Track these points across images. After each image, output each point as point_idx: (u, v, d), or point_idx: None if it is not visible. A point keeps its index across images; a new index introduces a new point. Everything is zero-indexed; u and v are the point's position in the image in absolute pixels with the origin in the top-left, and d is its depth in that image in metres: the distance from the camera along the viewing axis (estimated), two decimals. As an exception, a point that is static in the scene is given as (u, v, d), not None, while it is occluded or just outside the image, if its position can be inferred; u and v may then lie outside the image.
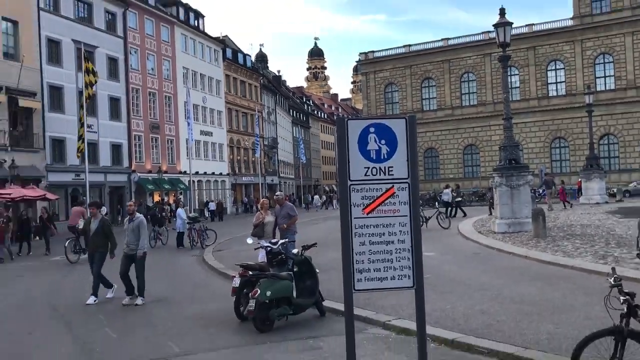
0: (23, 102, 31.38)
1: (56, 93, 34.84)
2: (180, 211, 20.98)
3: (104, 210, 37.03)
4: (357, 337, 6.99)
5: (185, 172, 47.39)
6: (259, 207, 12.59)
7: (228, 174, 57.80)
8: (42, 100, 33.28)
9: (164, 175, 43.89)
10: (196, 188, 49.25)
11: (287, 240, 9.48)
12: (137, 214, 10.31)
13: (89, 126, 32.83)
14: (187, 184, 47.43)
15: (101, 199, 37.95)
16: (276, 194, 12.43)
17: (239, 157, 61.90)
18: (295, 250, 8.36)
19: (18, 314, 9.23)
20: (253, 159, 63.92)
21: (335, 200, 62.82)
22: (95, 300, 9.77)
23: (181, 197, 43.94)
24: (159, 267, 15.23)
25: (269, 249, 8.99)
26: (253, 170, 63.76)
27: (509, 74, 19.09)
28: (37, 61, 33.03)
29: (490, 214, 24.90)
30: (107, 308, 9.41)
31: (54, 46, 34.95)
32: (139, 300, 9.69)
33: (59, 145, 34.72)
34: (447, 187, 30.03)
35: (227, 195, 55.90)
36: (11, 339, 7.54)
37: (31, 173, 31.15)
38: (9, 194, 23.24)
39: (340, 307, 8.22)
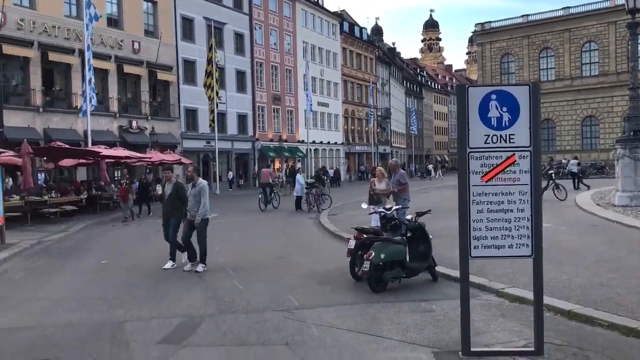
0: (161, 75, 34.22)
1: (189, 67, 37.46)
2: (299, 177, 21.97)
3: (230, 174, 39.87)
4: (471, 302, 7.16)
5: (303, 141, 49.10)
6: (374, 174, 12.93)
7: (342, 143, 58.83)
8: (177, 73, 36.00)
9: (284, 143, 45.74)
10: (312, 156, 50.75)
11: (400, 207, 9.70)
12: (200, 180, 9.57)
13: (218, 97, 35.08)
14: (304, 152, 49.13)
15: (228, 165, 40.65)
16: (390, 160, 12.66)
17: (353, 127, 62.56)
18: (408, 217, 8.59)
19: (158, 263, 10.43)
20: (366, 129, 64.37)
21: (439, 170, 62.04)
22: (173, 265, 9.61)
23: (299, 164, 45.50)
24: (278, 227, 16.28)
25: (382, 214, 9.28)
26: (366, 140, 64.29)
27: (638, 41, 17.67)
28: (173, 38, 35.73)
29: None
30: (235, 262, 10.29)
31: (187, 24, 37.52)
32: (199, 267, 9.36)
33: (192, 114, 37.50)
34: (575, 158, 29.89)
35: (341, 163, 56.94)
36: (150, 283, 8.61)
37: (168, 140, 34.08)
38: (150, 158, 25.73)
39: (453, 272, 8.40)
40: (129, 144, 30.10)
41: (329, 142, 55.86)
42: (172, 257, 9.75)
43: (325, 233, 14.69)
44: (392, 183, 12.21)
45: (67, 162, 22.52)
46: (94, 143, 23.99)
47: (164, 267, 9.59)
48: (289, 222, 17.70)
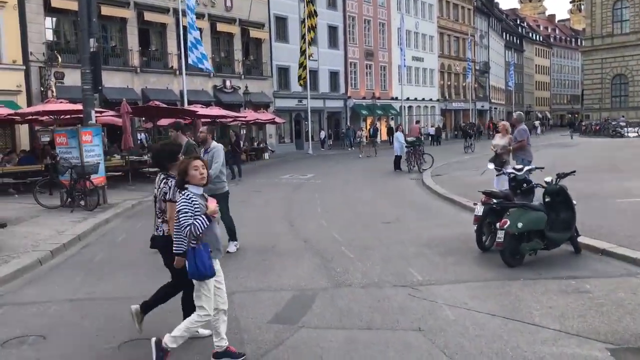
0: (253, 33, 33.78)
1: (281, 24, 36.73)
2: (399, 135, 20.75)
3: (322, 134, 39.20)
4: (631, 281, 5.89)
5: (396, 98, 47.38)
6: (498, 129, 11.56)
7: (438, 100, 56.27)
8: (269, 30, 35.41)
9: (376, 101, 44.24)
10: (406, 114, 48.89)
11: (533, 167, 8.35)
12: (214, 143, 7.60)
13: (310, 55, 34.26)
14: (398, 109, 47.43)
15: (320, 123, 40.02)
16: (514, 114, 11.18)
17: (449, 83, 59.60)
18: (548, 179, 7.28)
19: (259, 228, 9.86)
20: (464, 84, 61.21)
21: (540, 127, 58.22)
22: (236, 245, 7.89)
23: (400, 122, 44.08)
24: (378, 188, 15.32)
25: (512, 175, 8.05)
26: (463, 96, 61.15)
27: None
28: (265, -7, 35.03)
29: None
30: (340, 226, 9.50)
31: (278, -22, 36.61)
32: (232, 247, 7.73)
33: (284, 73, 36.97)
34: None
35: (437, 120, 54.50)
36: (252, 251, 8.00)
37: (261, 99, 33.88)
38: (245, 117, 25.52)
39: (600, 244, 7.17)
40: (223, 104, 30.15)
41: (423, 99, 53.58)
42: (233, 237, 7.90)
43: (432, 195, 13.55)
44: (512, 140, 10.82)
45: (164, 121, 22.74)
46: (189, 103, 24.09)
47: (227, 249, 7.65)
48: (390, 183, 16.68)
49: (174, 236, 4.12)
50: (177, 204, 4.00)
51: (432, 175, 17.41)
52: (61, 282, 6.66)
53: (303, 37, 33.15)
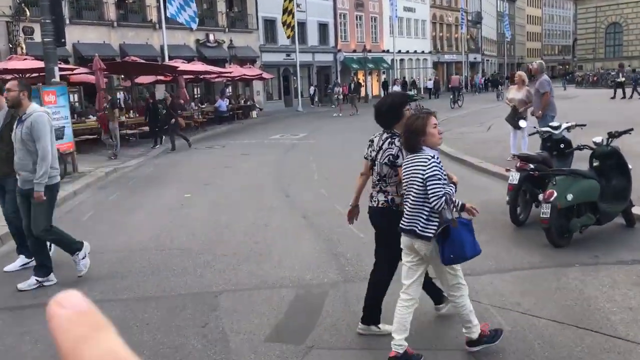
0: (236, -18, 31.60)
1: (266, -29, 34.46)
2: (396, 89, 19.28)
3: (312, 89, 37.50)
4: None
5: (388, 51, 45.52)
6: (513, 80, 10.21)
7: (430, 52, 54.29)
8: (254, -22, 33.21)
9: (367, 54, 42.34)
10: (398, 67, 47.07)
11: (573, 124, 7.08)
12: (33, 107, 4.76)
13: (297, 5, 32.21)
14: (390, 62, 45.66)
15: (309, 79, 38.25)
16: (532, 63, 9.81)
17: (441, 34, 57.44)
18: (597, 139, 6.02)
19: (246, 196, 8.61)
20: (456, 35, 59.16)
21: None
22: (24, 265, 5.45)
23: (384, 76, 42.44)
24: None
25: (547, 134, 6.82)
26: (455, 48, 59.18)
27: None
28: (247, -64, 32.59)
29: None
30: (345, 195, 8.25)
31: None
32: (80, 265, 5.03)
33: (270, 25, 34.89)
34: None
35: (429, 74, 52.72)
36: (242, 228, 6.78)
37: (247, 53, 31.97)
38: (230, 73, 23.83)
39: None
40: (207, 59, 28.31)
41: (415, 52, 51.59)
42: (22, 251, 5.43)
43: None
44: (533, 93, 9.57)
45: (144, 79, 21.08)
46: (170, 59, 22.35)
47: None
48: (390, 142, 15.37)
49: (417, 212, 3.33)
50: (424, 169, 3.28)
51: (434, 133, 16.18)
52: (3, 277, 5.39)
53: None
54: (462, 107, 28.26)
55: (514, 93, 9.90)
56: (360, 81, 38.43)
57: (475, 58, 65.89)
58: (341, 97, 29.20)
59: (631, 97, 25.66)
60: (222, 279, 4.93)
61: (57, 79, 10.48)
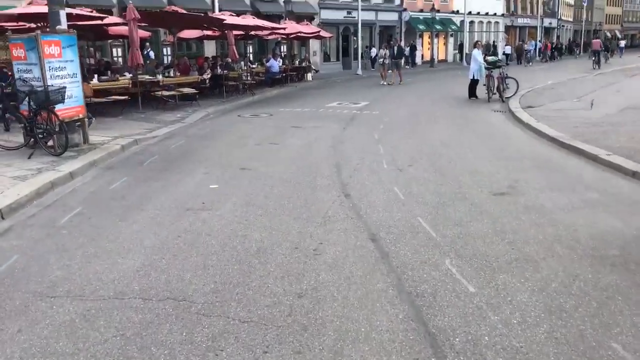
0: None
1: None
2: (477, 53, 16.31)
3: (374, 51, 34.36)
4: None
5: (457, 12, 41.70)
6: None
7: (502, 15, 49.63)
8: None
9: (436, 14, 38.64)
10: (468, 30, 43.06)
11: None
12: None
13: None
14: (458, 24, 41.84)
15: (371, 39, 35.22)
16: None
17: (515, -6, 52.43)
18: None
19: (302, 189, 6.34)
20: (531, -4, 53.96)
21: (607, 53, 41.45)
22: None
23: (478, 39, 38.76)
24: (456, 124, 11.40)
25: None
26: (530, 11, 54.04)
27: None
28: None
29: None
30: (428, 208, 5.85)
31: None
32: None
33: (331, -21, 31.98)
34: None
35: (500, 38, 48.31)
36: (297, 246, 4.51)
37: (304, 9, 29.29)
38: (284, 29, 21.33)
39: None
40: (261, 14, 25.88)
41: (487, 13, 47.18)
42: None
43: (539, 139, 9.56)
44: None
45: (188, 33, 18.97)
46: (221, 12, 20.07)
47: None
48: (471, 118, 12.59)
49: None
50: None
51: (524, 107, 13.32)
52: None
53: None
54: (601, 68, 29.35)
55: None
56: (402, 44, 32.59)
57: (550, 23, 60.39)
58: (387, 61, 23.14)
59: None
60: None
61: (64, 26, 8.36)
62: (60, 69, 8.22)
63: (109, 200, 6.04)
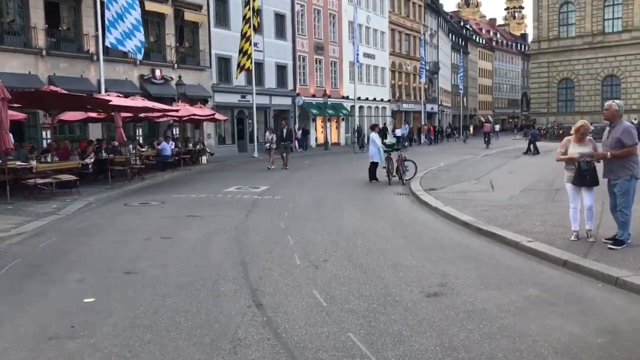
0: (189, 16, 28.66)
1: (221, 6, 31.71)
2: (375, 136, 16.38)
3: (268, 136, 34.21)
4: None
5: (347, 97, 43.43)
6: (571, 132, 7.34)
7: (389, 100, 52.68)
8: (208, 13, 30.35)
9: (328, 99, 39.86)
10: (357, 114, 44.80)
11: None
12: None
13: (254, 44, 29.58)
14: (349, 109, 43.47)
15: (266, 123, 35.21)
16: (611, 102, 6.98)
17: (400, 83, 56.22)
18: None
19: (201, 295, 5.22)
20: (414, 84, 58.16)
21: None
22: None
23: (343, 122, 39.73)
24: (365, 209, 10.83)
25: None
26: (413, 97, 58.05)
27: None
28: (201, -32, 29.90)
29: None
30: (357, 319, 5.00)
31: (218, -48, 31.56)
32: None
33: (225, 64, 31.93)
34: None
35: (388, 122, 50.78)
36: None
37: (198, 92, 28.73)
38: (177, 111, 20.40)
39: None
40: (152, 97, 24.84)
41: (374, 99, 49.74)
42: None
43: (455, 226, 9.13)
44: (608, 143, 6.80)
45: (71, 115, 17.40)
46: (107, 93, 18.81)
47: None
48: (377, 203, 12.16)
49: None
50: None
51: (426, 190, 13.24)
52: None
53: (245, 19, 28.39)
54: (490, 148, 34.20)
55: (576, 147, 7.08)
56: (290, 127, 32.41)
57: (432, 108, 65.22)
58: (274, 146, 22.30)
59: None
60: None
61: None
62: None
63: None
